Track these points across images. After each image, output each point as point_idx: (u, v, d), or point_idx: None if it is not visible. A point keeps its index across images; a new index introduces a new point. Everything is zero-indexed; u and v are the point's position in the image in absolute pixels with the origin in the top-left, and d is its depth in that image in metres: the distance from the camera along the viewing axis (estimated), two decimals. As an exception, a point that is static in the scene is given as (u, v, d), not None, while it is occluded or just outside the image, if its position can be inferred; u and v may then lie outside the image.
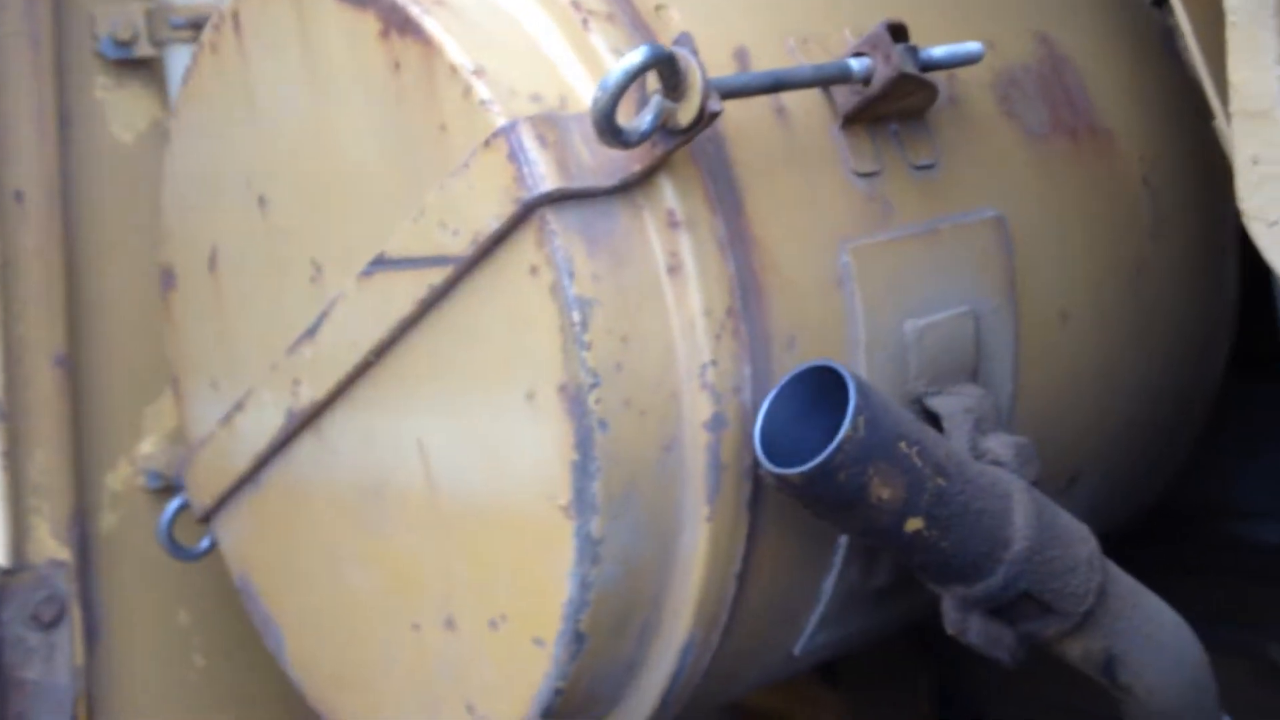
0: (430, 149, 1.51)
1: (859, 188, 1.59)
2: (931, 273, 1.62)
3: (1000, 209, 1.71)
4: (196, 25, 2.29)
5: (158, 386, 2.49)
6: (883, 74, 1.53)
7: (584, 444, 1.41)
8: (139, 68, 2.46)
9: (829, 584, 1.63)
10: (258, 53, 1.72)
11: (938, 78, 1.63)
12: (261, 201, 1.77)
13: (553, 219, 1.41)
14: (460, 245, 1.47)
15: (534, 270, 1.43)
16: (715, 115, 1.38)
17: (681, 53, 1.35)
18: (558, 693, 1.50)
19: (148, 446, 2.50)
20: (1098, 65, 1.90)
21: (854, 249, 1.56)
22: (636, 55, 1.33)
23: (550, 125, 1.42)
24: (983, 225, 1.68)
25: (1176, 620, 1.63)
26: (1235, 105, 1.42)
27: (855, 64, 1.53)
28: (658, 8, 1.56)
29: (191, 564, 2.49)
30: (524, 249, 1.43)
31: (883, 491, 1.37)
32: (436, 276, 1.51)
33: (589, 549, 1.44)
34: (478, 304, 1.49)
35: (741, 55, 1.57)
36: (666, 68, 1.35)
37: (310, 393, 1.73)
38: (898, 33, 1.56)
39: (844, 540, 1.60)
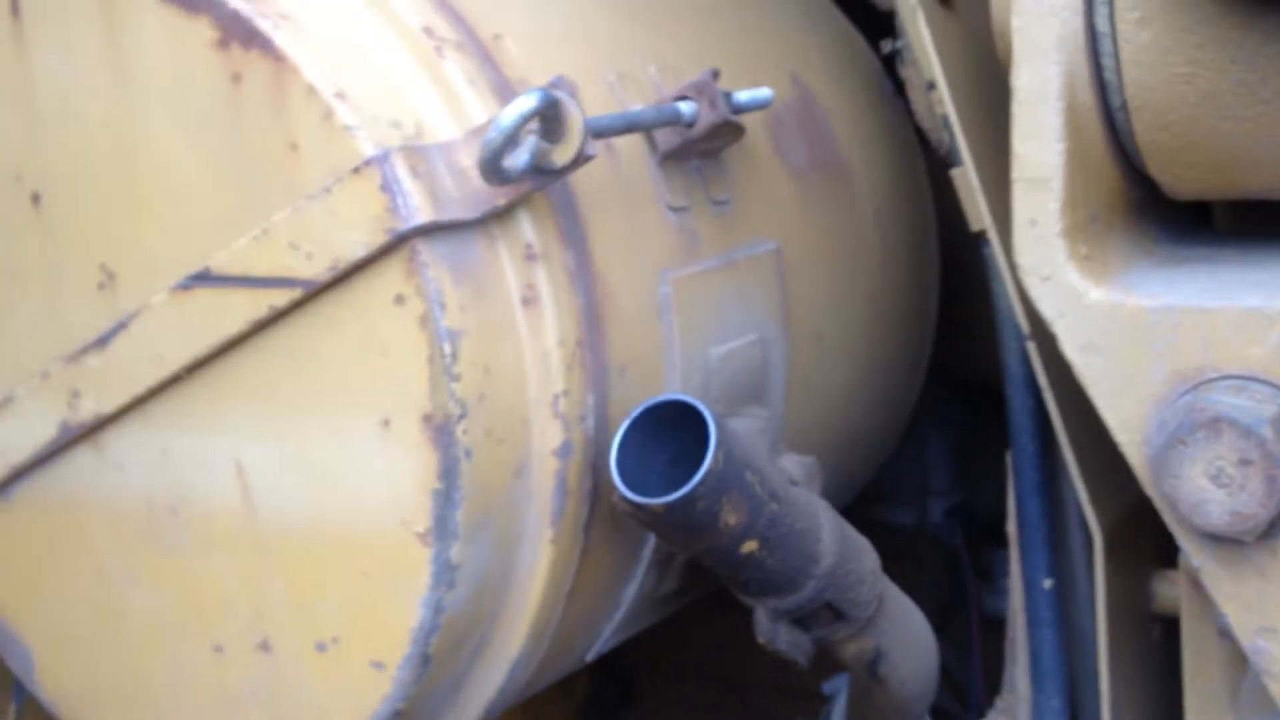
0: (275, 167, 1.48)
1: (673, 221, 1.69)
2: (730, 301, 1.75)
3: (776, 241, 1.85)
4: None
5: None
6: (707, 118, 1.63)
7: (449, 473, 1.44)
8: None
9: (629, 593, 1.73)
10: (41, 39, 1.61)
11: (729, 118, 1.75)
12: (35, 198, 1.65)
13: (424, 251, 1.42)
14: (314, 269, 1.45)
15: (400, 299, 1.43)
16: (590, 158, 1.44)
17: (565, 99, 1.40)
18: (396, 714, 1.52)
19: None
20: (838, 104, 2.08)
21: (673, 280, 1.65)
22: (530, 100, 1.37)
23: (420, 156, 1.43)
24: (766, 256, 1.82)
25: (922, 619, 1.84)
26: (1017, 173, 1.61)
27: (685, 108, 1.62)
28: (495, 37, 1.59)
29: None
30: (389, 278, 1.43)
31: (730, 518, 1.48)
32: (280, 298, 1.48)
33: (446, 574, 1.47)
34: (324, 328, 1.48)
35: (563, 80, 1.62)
36: (551, 112, 1.39)
37: (94, 406, 1.65)
38: (716, 77, 1.66)
39: (647, 553, 1.70)
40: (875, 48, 2.28)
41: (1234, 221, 1.99)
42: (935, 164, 2.20)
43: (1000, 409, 1.99)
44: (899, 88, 2.10)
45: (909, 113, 2.07)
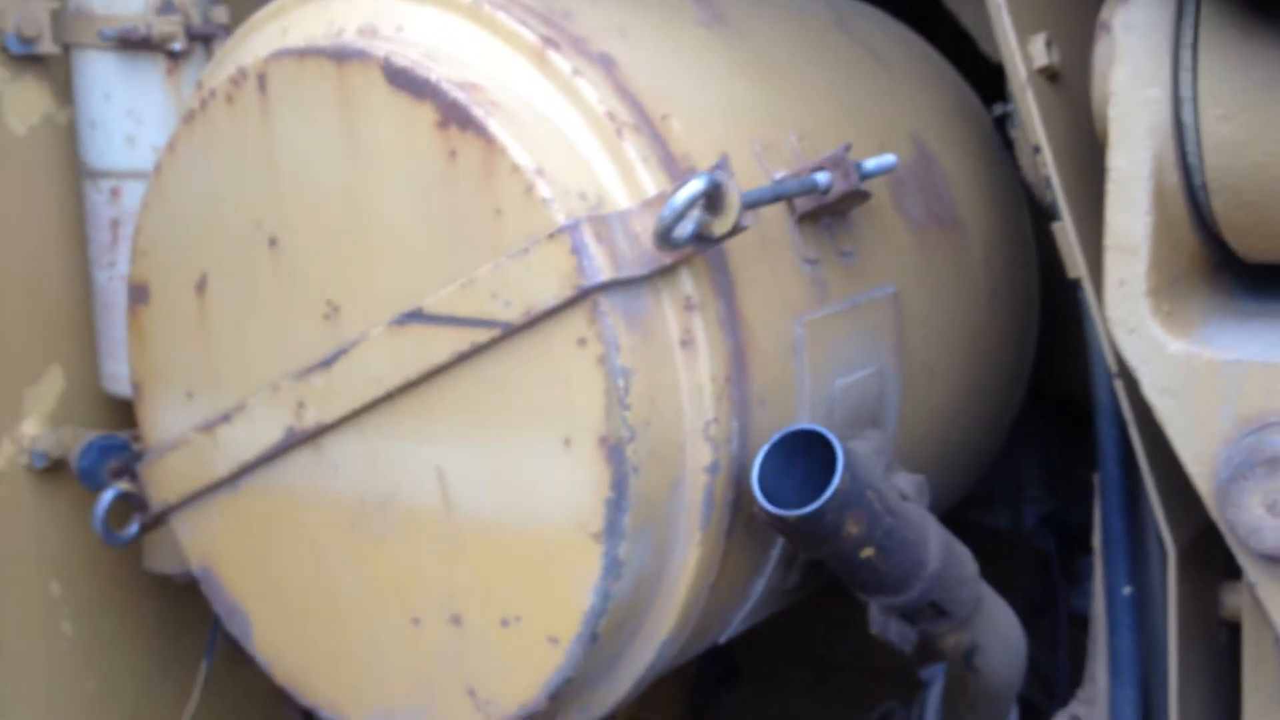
0: (481, 229, 1.78)
1: (806, 272, 1.97)
2: (853, 340, 2.03)
3: (895, 286, 2.13)
4: (126, 40, 2.42)
5: (38, 369, 2.62)
6: (840, 187, 1.91)
7: (619, 484, 1.74)
8: (36, 63, 2.56)
9: (759, 586, 2.02)
10: (285, 114, 1.93)
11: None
12: (273, 242, 1.98)
13: (603, 302, 1.72)
14: (511, 314, 1.76)
15: (582, 342, 1.74)
16: (744, 229, 1.73)
17: (726, 181, 1.69)
18: (567, 682, 1.83)
19: (31, 427, 2.62)
20: (954, 164, 2.34)
21: (805, 323, 1.94)
22: (699, 184, 1.66)
23: (602, 224, 1.73)
24: (885, 300, 2.10)
25: (1014, 619, 2.11)
26: (1110, 240, 1.87)
27: (821, 179, 1.90)
28: (664, 117, 1.88)
29: (65, 542, 2.65)
30: (574, 324, 1.73)
31: (852, 529, 1.77)
32: (482, 336, 1.79)
33: (614, 568, 1.77)
34: (517, 362, 1.79)
35: (725, 160, 1.91)
36: (715, 192, 1.68)
37: (316, 415, 1.97)
38: (848, 151, 1.94)
39: (775, 554, 2.00)
40: (987, 103, 2.53)
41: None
42: (1040, 210, 2.44)
43: (1089, 426, 2.23)
44: (1008, 143, 2.35)
45: (1016, 166, 2.33)
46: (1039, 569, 3.11)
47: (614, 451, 1.73)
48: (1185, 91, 1.80)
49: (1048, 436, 3.08)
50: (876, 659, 2.60)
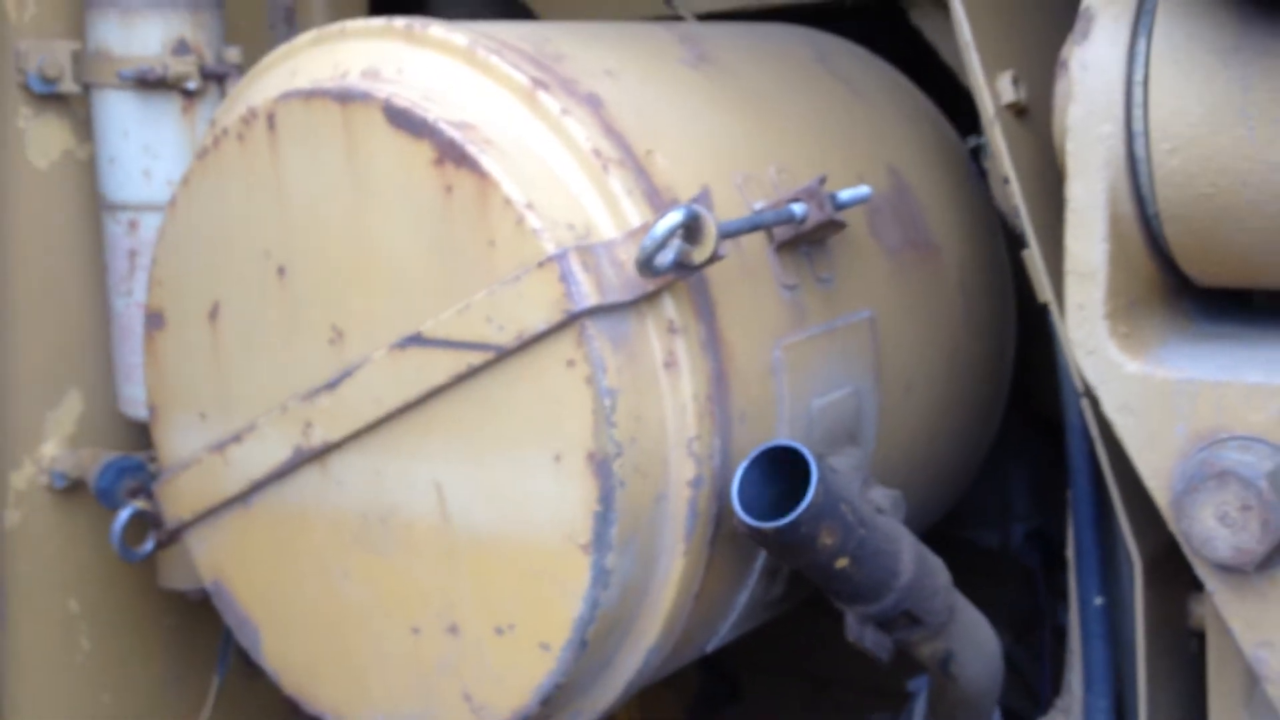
0: (475, 258, 1.90)
1: (785, 297, 2.08)
2: (830, 361, 2.14)
3: (872, 310, 2.24)
4: (144, 80, 2.54)
5: (59, 393, 2.74)
6: (815, 217, 2.03)
7: (606, 498, 1.85)
8: (57, 102, 2.69)
9: (744, 597, 2.12)
10: (292, 151, 2.05)
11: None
12: (281, 271, 2.10)
13: (590, 326, 1.84)
14: (504, 338, 1.88)
15: (571, 363, 1.85)
16: (721, 258, 1.84)
17: (703, 211, 1.80)
18: (558, 687, 1.94)
19: (51, 449, 2.74)
20: (930, 193, 2.46)
21: (784, 345, 2.05)
22: (677, 216, 1.78)
23: (589, 253, 1.84)
24: (862, 324, 2.21)
25: (989, 628, 2.21)
26: (1069, 266, 1.98)
27: (797, 209, 2.02)
28: (648, 152, 2.00)
29: (83, 559, 2.76)
30: (563, 347, 1.85)
31: (827, 540, 1.88)
32: (477, 358, 1.90)
33: (602, 578, 1.88)
34: (510, 383, 1.90)
35: (705, 192, 2.03)
36: (694, 223, 1.79)
37: (323, 434, 2.08)
38: (822, 183, 2.05)
39: (758, 566, 2.10)
40: (962, 132, 2.64)
41: (1269, 300, 2.33)
42: (1013, 238, 2.55)
43: (1072, 445, 2.32)
44: (983, 173, 2.47)
45: (991, 195, 2.44)
46: (1026, 584, 3.20)
47: (601, 467, 1.84)
48: (1138, 126, 1.91)
49: (1036, 456, 3.18)
50: (872, 675, 2.70)
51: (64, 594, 2.78)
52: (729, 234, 1.89)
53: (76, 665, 2.79)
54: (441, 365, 1.94)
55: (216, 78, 2.61)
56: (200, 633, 2.83)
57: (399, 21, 2.06)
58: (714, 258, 1.83)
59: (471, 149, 1.88)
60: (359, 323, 2.03)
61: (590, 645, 1.92)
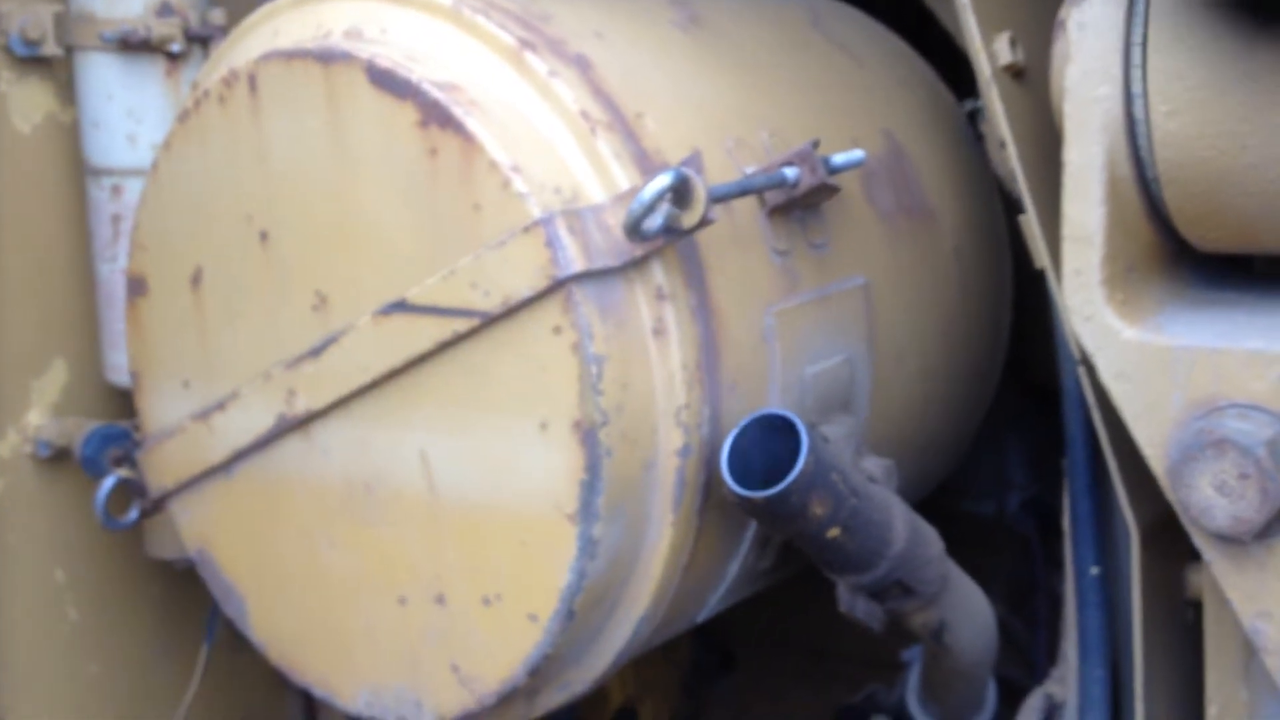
0: (460, 222, 1.86)
1: (777, 263, 2.05)
2: (824, 329, 2.10)
3: (866, 276, 2.20)
4: (127, 42, 2.50)
5: (43, 361, 2.70)
6: (808, 181, 1.99)
7: (593, 467, 1.82)
8: (40, 65, 2.64)
9: (734, 568, 2.10)
10: (274, 113, 2.01)
11: (825, 174, 2.10)
12: (263, 236, 2.06)
13: (577, 292, 1.80)
14: (490, 304, 1.84)
15: (557, 330, 1.81)
16: (711, 222, 1.80)
17: (693, 175, 1.77)
18: (546, 658, 1.91)
19: (35, 417, 2.71)
20: (925, 155, 2.42)
21: (776, 312, 2.01)
22: (665, 179, 1.74)
23: (576, 217, 1.81)
24: (856, 290, 2.17)
25: (982, 597, 2.19)
26: (1066, 231, 1.94)
27: (789, 173, 1.98)
28: (637, 115, 1.96)
29: (69, 529, 2.74)
30: (550, 313, 1.81)
31: (817, 509, 1.85)
32: (462, 325, 1.87)
33: (589, 548, 1.85)
34: (495, 350, 1.86)
35: (695, 155, 1.98)
36: (683, 186, 1.76)
37: (306, 402, 2.05)
38: (815, 146, 2.01)
39: (748, 536, 2.07)
40: (960, 97, 2.60)
41: (1269, 265, 2.29)
42: (1011, 203, 2.51)
43: (1071, 413, 2.29)
44: (980, 137, 2.43)
45: (988, 160, 2.40)
46: (1022, 554, 3.18)
47: (588, 435, 1.81)
48: (1136, 88, 1.87)
49: (1032, 424, 3.15)
50: (867, 646, 2.68)
51: (50, 564, 2.76)
52: (719, 198, 1.85)
53: (64, 635, 2.77)
54: (426, 332, 1.90)
55: (201, 40, 2.57)
56: (188, 603, 2.81)
57: (383, -20, 2.02)
58: (704, 222, 1.79)
59: (456, 110, 1.84)
60: (343, 288, 2.00)
61: (578, 616, 1.89)
